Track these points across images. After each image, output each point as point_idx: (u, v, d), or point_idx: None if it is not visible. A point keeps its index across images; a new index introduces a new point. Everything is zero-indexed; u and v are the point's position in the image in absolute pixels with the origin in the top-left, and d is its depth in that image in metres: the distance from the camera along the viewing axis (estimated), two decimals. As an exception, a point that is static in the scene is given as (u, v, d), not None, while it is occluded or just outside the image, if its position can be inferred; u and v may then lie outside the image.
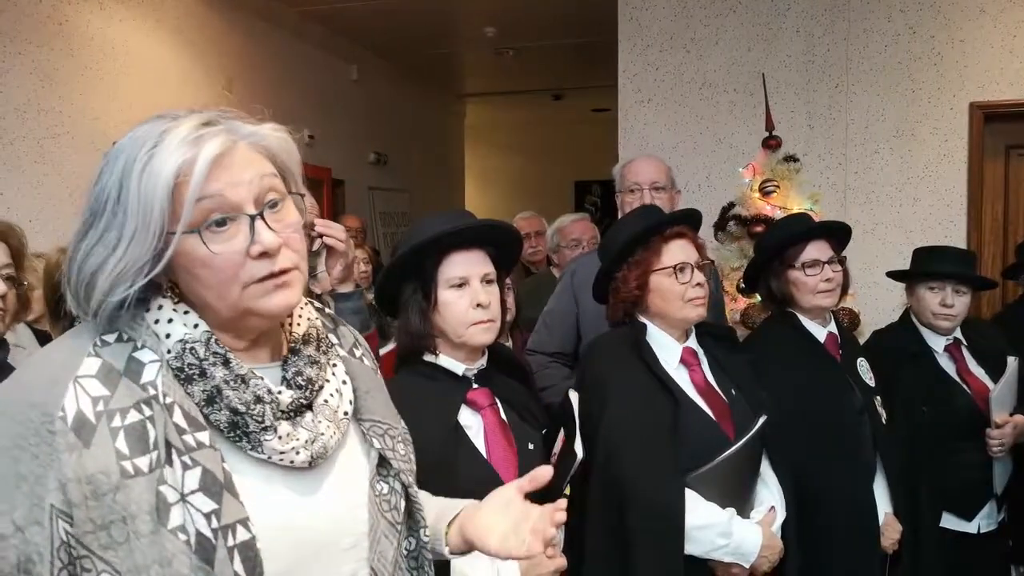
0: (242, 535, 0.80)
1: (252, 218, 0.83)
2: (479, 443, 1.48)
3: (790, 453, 1.89)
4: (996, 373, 2.35)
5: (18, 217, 3.46)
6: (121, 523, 0.77)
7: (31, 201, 3.54)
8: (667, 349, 1.81)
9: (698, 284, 1.78)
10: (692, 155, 4.02)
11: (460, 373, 1.54)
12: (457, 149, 8.77)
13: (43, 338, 2.73)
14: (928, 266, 2.43)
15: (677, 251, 1.80)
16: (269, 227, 0.83)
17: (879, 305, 3.58)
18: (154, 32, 4.23)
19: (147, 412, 0.80)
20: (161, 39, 4.28)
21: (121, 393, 0.81)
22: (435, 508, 1.14)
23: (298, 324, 0.95)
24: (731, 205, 3.44)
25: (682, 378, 1.79)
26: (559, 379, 2.34)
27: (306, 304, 0.99)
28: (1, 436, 0.78)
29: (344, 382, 0.96)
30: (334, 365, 0.96)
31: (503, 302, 1.59)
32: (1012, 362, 2.35)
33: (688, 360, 1.82)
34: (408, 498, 0.99)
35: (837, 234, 2.17)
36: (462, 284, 1.52)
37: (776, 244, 2.14)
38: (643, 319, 1.84)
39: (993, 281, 2.67)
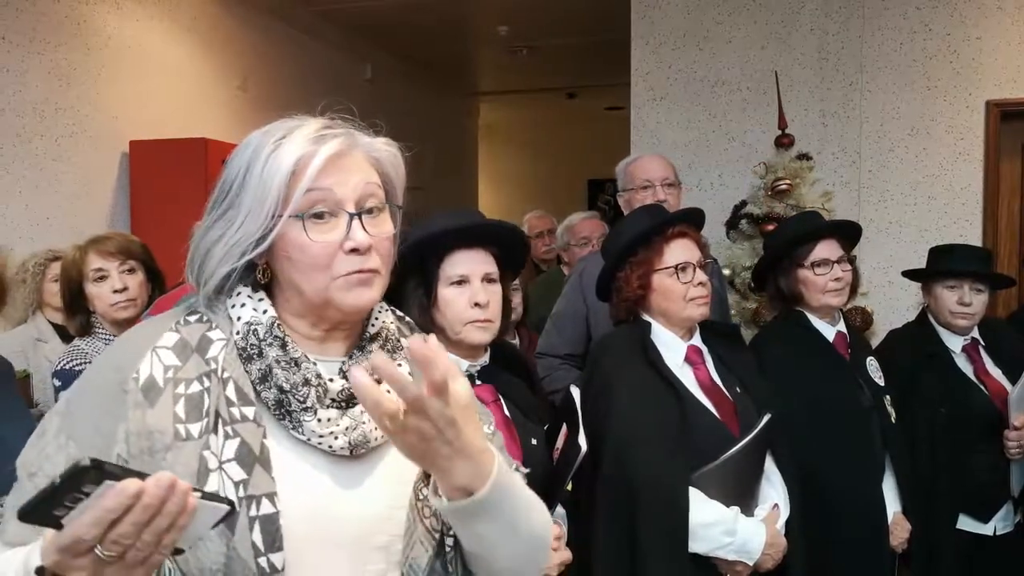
0: (266, 508, 0.84)
1: (351, 216, 0.90)
2: None
3: (799, 451, 1.89)
4: (1013, 373, 2.33)
5: (35, 215, 3.51)
6: None
7: (48, 199, 3.59)
8: (672, 348, 1.81)
9: (700, 283, 1.78)
10: (705, 153, 4.01)
11: (463, 370, 1.55)
12: (470, 148, 8.77)
13: (62, 331, 2.78)
14: (946, 264, 2.41)
15: (679, 250, 1.80)
16: (364, 228, 0.91)
17: (893, 304, 3.56)
18: (170, 32, 4.27)
19: (206, 384, 0.88)
20: (177, 38, 4.32)
21: (190, 365, 0.89)
22: None
23: (372, 325, 0.99)
24: (743, 203, 3.43)
25: (687, 376, 1.79)
26: (570, 381, 2.34)
27: (386, 309, 1.03)
28: (87, 396, 0.90)
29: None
30: (399, 364, 0.97)
31: (508, 302, 1.59)
32: (1030, 363, 2.33)
33: (693, 358, 1.82)
34: None
35: (847, 233, 2.17)
36: (462, 281, 1.53)
37: (786, 243, 2.14)
38: (647, 318, 1.84)
39: (1011, 279, 2.64)
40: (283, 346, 0.91)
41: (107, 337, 2.19)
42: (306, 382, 0.89)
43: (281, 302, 0.95)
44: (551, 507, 1.55)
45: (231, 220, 0.90)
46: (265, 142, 0.90)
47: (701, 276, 1.79)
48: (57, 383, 2.12)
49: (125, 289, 2.18)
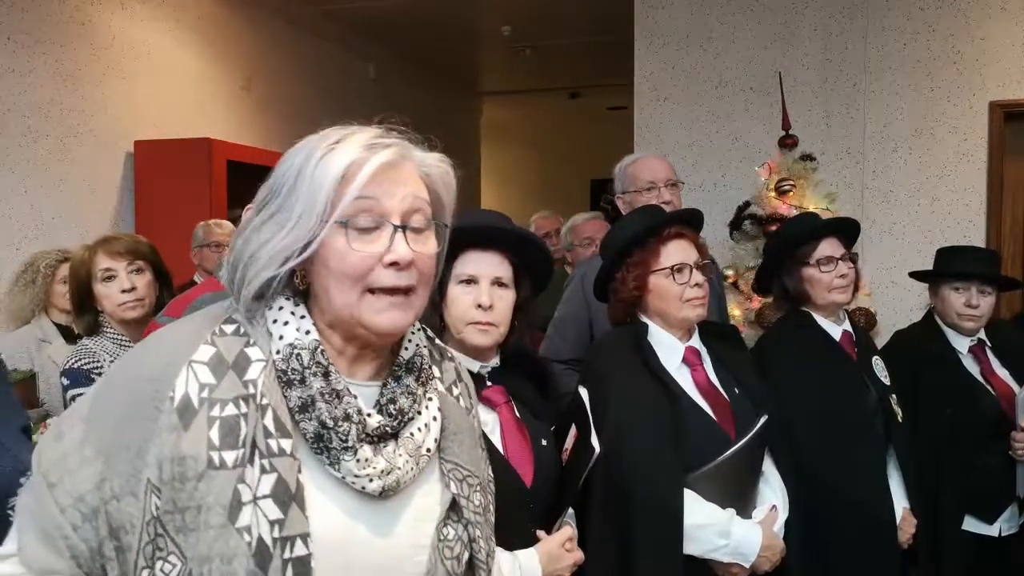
0: (299, 550, 0.82)
1: (395, 228, 0.88)
2: (495, 439, 1.49)
3: (807, 450, 1.89)
4: (1020, 374, 2.33)
5: (41, 214, 3.52)
6: (196, 511, 0.80)
7: (54, 198, 3.59)
8: (669, 348, 1.81)
9: (696, 284, 1.77)
10: (708, 154, 4.01)
11: (475, 371, 1.55)
12: (474, 148, 8.78)
13: (66, 332, 2.79)
14: (953, 266, 2.40)
15: (675, 252, 1.79)
16: (407, 242, 0.88)
17: (897, 305, 3.56)
18: (174, 32, 4.27)
19: (243, 409, 0.84)
20: (181, 39, 4.33)
21: (226, 385, 0.85)
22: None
23: (406, 348, 0.96)
24: (747, 204, 3.43)
25: (684, 378, 1.78)
26: (575, 385, 2.34)
27: (419, 330, 1.00)
28: (115, 405, 0.85)
29: (435, 418, 0.95)
30: (429, 399, 0.96)
31: (519, 310, 1.58)
32: (1038, 364, 2.33)
33: (690, 359, 1.81)
34: (473, 552, 0.96)
35: (847, 231, 2.18)
36: (470, 281, 1.52)
37: (789, 242, 2.14)
38: (644, 319, 1.84)
39: (1018, 281, 2.64)
40: (326, 375, 0.87)
41: (115, 337, 2.20)
42: (347, 417, 0.86)
43: (316, 312, 0.92)
44: (563, 508, 1.56)
45: (281, 224, 0.87)
46: (319, 145, 0.88)
47: (698, 277, 1.78)
48: (65, 382, 2.12)
49: (133, 289, 2.18)
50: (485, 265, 1.53)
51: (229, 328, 0.89)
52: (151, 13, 4.12)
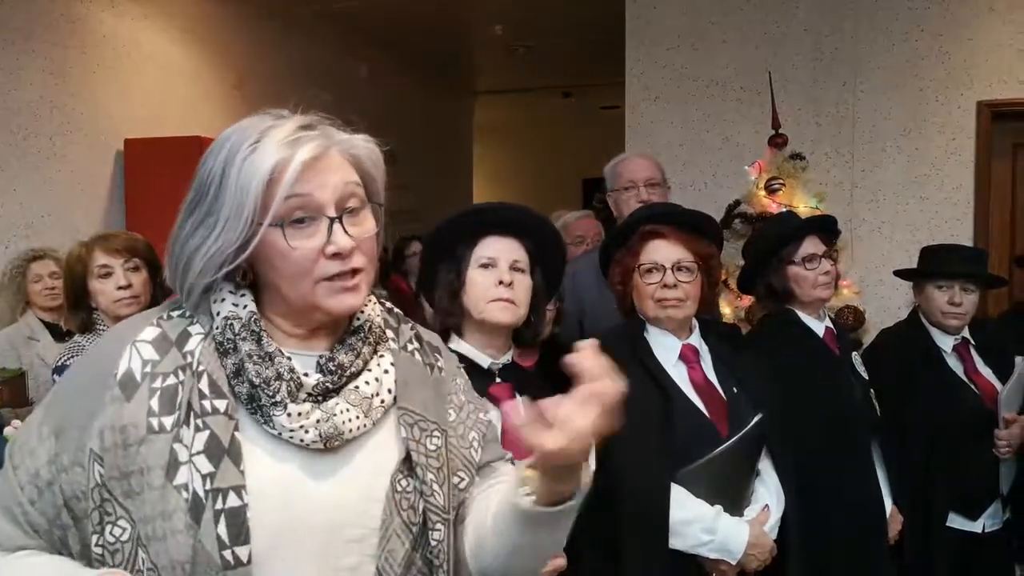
0: (232, 501, 0.84)
1: (331, 220, 0.89)
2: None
3: (794, 448, 1.90)
4: (1003, 373, 2.35)
5: (30, 213, 3.51)
6: (139, 474, 0.85)
7: (44, 197, 3.59)
8: (666, 346, 1.82)
9: (666, 286, 1.77)
10: (699, 153, 4.02)
11: (486, 367, 1.57)
12: (466, 146, 8.78)
13: (53, 330, 2.78)
14: (937, 264, 2.43)
15: (652, 251, 1.81)
16: (345, 231, 0.90)
17: (885, 304, 3.58)
18: (165, 30, 4.27)
19: (180, 377, 0.89)
20: (172, 37, 4.32)
21: (168, 360, 0.90)
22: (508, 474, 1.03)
23: (357, 319, 0.98)
24: (737, 203, 3.44)
25: (680, 375, 1.79)
26: None
27: (373, 301, 1.02)
28: (69, 387, 0.94)
29: (386, 371, 0.97)
30: (381, 356, 0.98)
31: (536, 296, 1.63)
32: (1020, 362, 2.35)
33: (688, 357, 1.83)
34: (425, 497, 0.93)
35: (829, 229, 2.23)
36: (490, 264, 1.58)
37: (775, 241, 2.17)
38: (642, 315, 1.86)
39: (1002, 279, 2.66)
40: (258, 340, 0.90)
41: (108, 334, 2.21)
42: (278, 376, 0.89)
43: (266, 301, 0.95)
44: None
45: (210, 228, 0.88)
46: (239, 144, 0.88)
47: (670, 278, 1.78)
48: (57, 378, 2.13)
49: (129, 286, 2.18)
50: (503, 249, 1.59)
51: (176, 312, 0.95)
52: (142, 11, 4.11)
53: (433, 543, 0.93)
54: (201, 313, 0.94)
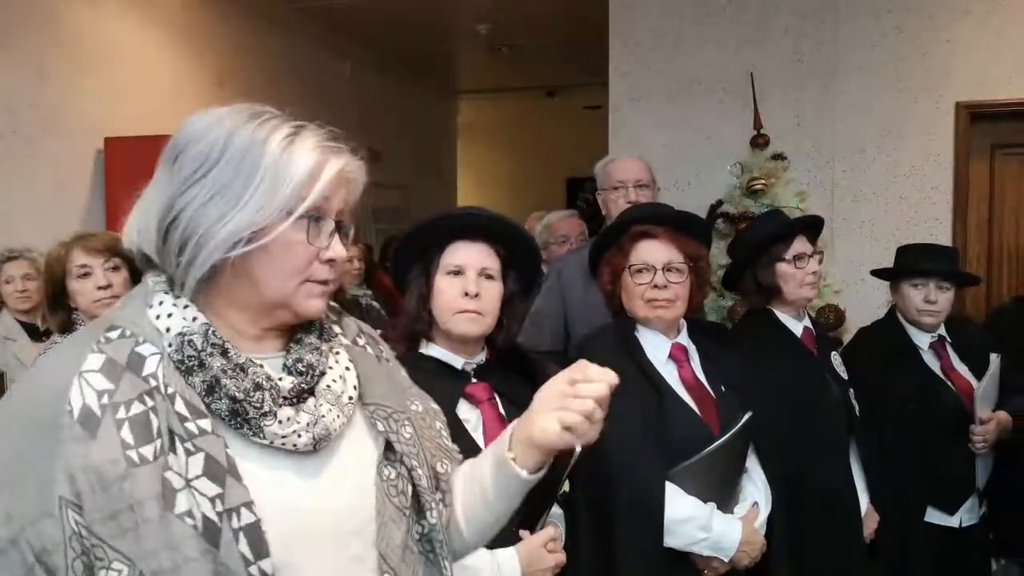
0: (247, 518, 0.83)
1: (336, 228, 0.94)
2: (478, 437, 1.49)
3: (773, 447, 1.92)
4: (979, 370, 2.38)
5: (7, 213, 3.47)
6: (129, 511, 0.80)
7: (24, 196, 3.54)
8: (655, 345, 1.83)
9: (656, 286, 1.78)
10: (681, 153, 4.04)
11: (459, 367, 1.55)
12: (450, 146, 8.78)
13: (30, 329, 2.75)
14: (911, 263, 2.46)
15: (641, 251, 1.82)
16: (341, 241, 0.95)
17: (865, 303, 3.61)
18: (147, 27, 4.23)
19: (149, 403, 0.84)
20: (154, 34, 4.28)
21: (125, 386, 0.84)
22: (489, 449, 1.09)
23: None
24: (719, 203, 3.47)
25: (670, 373, 1.80)
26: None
27: None
28: (10, 441, 0.83)
29: (347, 368, 0.99)
30: (337, 353, 1.00)
31: (507, 302, 1.58)
32: (995, 359, 2.38)
33: (677, 356, 1.84)
34: (414, 482, 0.98)
35: (817, 228, 2.27)
36: (458, 272, 1.53)
37: (766, 238, 2.18)
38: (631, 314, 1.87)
39: (976, 277, 2.70)
40: (224, 353, 0.88)
41: (87, 335, 2.19)
42: (257, 386, 0.88)
43: (210, 298, 0.92)
44: (548, 507, 1.57)
45: (234, 198, 0.86)
46: (270, 132, 0.88)
47: (660, 279, 1.78)
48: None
49: (109, 286, 2.15)
50: (472, 255, 1.54)
51: (114, 334, 0.88)
52: (121, 7, 4.07)
53: (433, 521, 0.99)
54: (142, 327, 0.88)
